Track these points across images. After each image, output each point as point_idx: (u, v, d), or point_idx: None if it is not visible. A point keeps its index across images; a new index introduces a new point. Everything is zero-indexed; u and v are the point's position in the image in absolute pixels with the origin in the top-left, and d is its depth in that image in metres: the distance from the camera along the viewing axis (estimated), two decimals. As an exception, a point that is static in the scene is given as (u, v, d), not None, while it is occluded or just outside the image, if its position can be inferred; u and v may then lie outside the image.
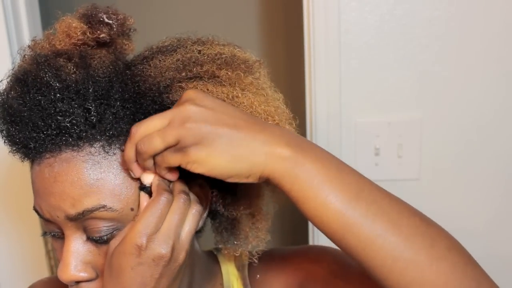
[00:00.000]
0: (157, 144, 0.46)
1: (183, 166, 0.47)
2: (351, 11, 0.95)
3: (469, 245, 1.03)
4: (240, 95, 0.53)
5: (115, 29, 0.54)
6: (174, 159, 0.47)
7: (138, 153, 0.47)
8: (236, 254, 0.65)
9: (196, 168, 0.46)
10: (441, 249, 0.51)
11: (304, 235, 1.11)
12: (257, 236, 0.61)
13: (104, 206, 0.49)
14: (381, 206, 0.47)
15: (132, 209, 0.51)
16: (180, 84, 0.52)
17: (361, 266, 0.48)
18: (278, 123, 0.54)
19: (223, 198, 0.57)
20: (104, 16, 0.54)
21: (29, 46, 0.55)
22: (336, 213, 0.46)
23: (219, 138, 0.45)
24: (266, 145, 0.46)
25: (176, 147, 0.46)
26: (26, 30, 1.09)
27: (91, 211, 0.49)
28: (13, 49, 1.06)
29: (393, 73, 0.97)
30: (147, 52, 0.55)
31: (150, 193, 0.50)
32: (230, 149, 0.45)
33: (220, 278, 0.66)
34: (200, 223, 0.55)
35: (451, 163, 1.00)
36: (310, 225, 1.06)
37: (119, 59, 0.53)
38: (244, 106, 0.52)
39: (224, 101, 0.51)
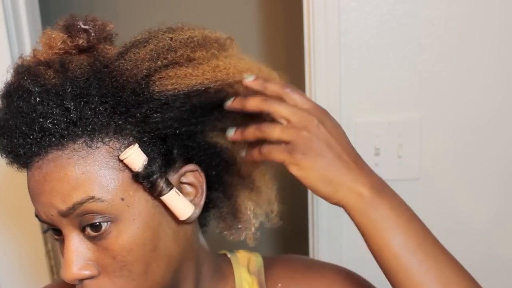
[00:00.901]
0: (275, 133, 0.55)
1: (284, 163, 0.55)
2: (351, 11, 0.95)
3: (469, 244, 1.04)
4: (220, 63, 0.57)
5: (93, 35, 0.56)
6: (280, 155, 0.55)
7: (255, 127, 0.56)
8: (241, 239, 0.66)
9: (293, 170, 0.55)
10: None
11: (305, 237, 1.11)
12: (262, 212, 0.65)
13: (92, 198, 0.50)
14: (437, 260, 0.56)
15: (122, 199, 0.51)
16: (158, 72, 0.54)
17: None
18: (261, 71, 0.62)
19: (218, 178, 0.62)
20: (81, 23, 0.56)
21: (17, 63, 0.57)
22: (396, 255, 0.54)
23: (322, 158, 0.54)
24: (354, 183, 0.54)
25: (286, 146, 0.54)
26: (26, 30, 1.09)
27: (80, 203, 0.50)
28: (13, 49, 1.06)
29: (393, 73, 0.97)
30: (122, 48, 0.56)
31: (143, 178, 0.51)
32: (326, 171, 0.54)
33: (232, 282, 0.66)
34: (197, 211, 0.56)
35: (451, 163, 1.00)
36: (310, 229, 1.06)
37: (98, 60, 0.54)
38: (224, 69, 0.57)
39: (202, 81, 0.55)
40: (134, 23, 1.98)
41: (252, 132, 0.57)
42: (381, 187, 0.55)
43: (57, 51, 0.56)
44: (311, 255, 1.08)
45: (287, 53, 1.72)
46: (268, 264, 0.69)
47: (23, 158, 0.53)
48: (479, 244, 1.04)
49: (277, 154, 0.55)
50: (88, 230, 0.52)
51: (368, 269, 1.06)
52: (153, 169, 0.52)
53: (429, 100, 0.98)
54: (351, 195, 0.54)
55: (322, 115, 0.57)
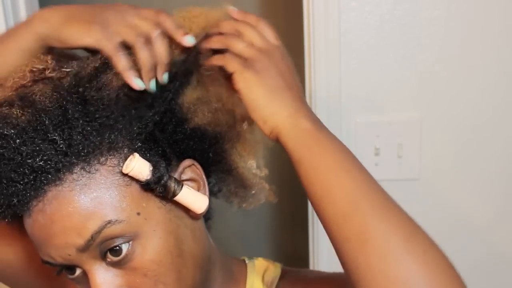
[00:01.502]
0: (239, 45, 0.55)
1: (234, 74, 0.53)
2: (351, 11, 0.95)
3: (469, 244, 1.04)
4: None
5: (51, 65, 0.54)
6: (234, 65, 0.54)
7: (223, 36, 0.56)
8: (262, 201, 0.66)
9: (240, 81, 0.53)
10: (418, 244, 0.51)
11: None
12: (262, 161, 0.65)
13: (109, 221, 0.48)
14: (356, 179, 0.54)
15: (138, 214, 0.50)
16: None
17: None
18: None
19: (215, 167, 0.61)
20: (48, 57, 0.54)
21: None
22: (323, 174, 0.50)
23: (272, 80, 0.53)
24: (296, 111, 0.53)
25: (242, 60, 0.54)
26: (26, 30, 1.09)
27: (99, 232, 0.48)
28: (13, 49, 1.06)
29: (393, 73, 0.97)
30: (83, 71, 0.54)
31: (155, 184, 0.50)
32: (272, 91, 0.53)
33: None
34: (205, 203, 0.54)
35: (451, 163, 1.00)
36: (310, 228, 1.06)
37: (59, 87, 0.52)
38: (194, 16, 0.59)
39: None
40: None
41: (218, 39, 0.57)
42: (320, 124, 0.55)
43: (12, 85, 0.53)
44: (310, 255, 1.08)
45: (287, 53, 1.72)
46: (283, 276, 0.66)
47: (18, 207, 0.49)
48: (479, 243, 1.04)
49: (232, 63, 0.54)
50: (110, 256, 0.49)
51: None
52: (161, 172, 0.50)
53: (429, 100, 0.98)
54: (290, 121, 0.52)
55: (281, 49, 0.59)
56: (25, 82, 0.53)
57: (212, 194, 0.62)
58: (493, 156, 1.00)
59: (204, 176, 0.57)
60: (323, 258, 1.04)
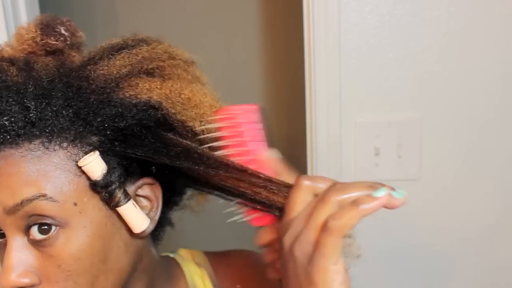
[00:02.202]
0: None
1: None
2: (351, 11, 0.95)
3: (469, 244, 1.03)
4: (186, 91, 0.56)
5: (68, 42, 0.55)
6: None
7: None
8: None
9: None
10: None
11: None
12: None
13: (44, 195, 0.48)
14: None
15: (75, 204, 0.49)
16: (131, 80, 0.54)
17: None
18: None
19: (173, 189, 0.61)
20: (61, 28, 0.55)
21: None
22: None
23: None
24: None
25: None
26: (26, 30, 1.09)
27: (30, 200, 0.48)
28: (13, 49, 1.06)
29: (393, 73, 0.97)
30: (91, 55, 0.56)
31: (102, 188, 0.49)
32: None
33: (183, 280, 0.66)
34: (152, 226, 0.54)
35: (451, 163, 1.00)
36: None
37: (65, 64, 0.53)
38: (187, 99, 0.55)
39: (169, 94, 0.54)
40: (134, 23, 1.99)
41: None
42: None
43: (26, 46, 0.54)
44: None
45: (287, 53, 1.72)
46: (217, 260, 0.69)
47: None
48: (479, 243, 1.04)
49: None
50: (34, 233, 0.49)
51: (369, 269, 1.06)
52: (112, 179, 0.50)
53: (429, 100, 0.98)
54: None
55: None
56: (36, 50, 0.54)
57: (161, 223, 0.61)
58: (493, 156, 1.00)
59: (161, 200, 0.56)
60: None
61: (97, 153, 0.49)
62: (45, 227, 0.49)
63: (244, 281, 0.68)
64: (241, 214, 0.52)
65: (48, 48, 0.55)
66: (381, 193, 0.42)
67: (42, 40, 0.54)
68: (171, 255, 0.70)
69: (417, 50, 0.96)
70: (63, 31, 0.55)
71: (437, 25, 0.95)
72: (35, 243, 0.49)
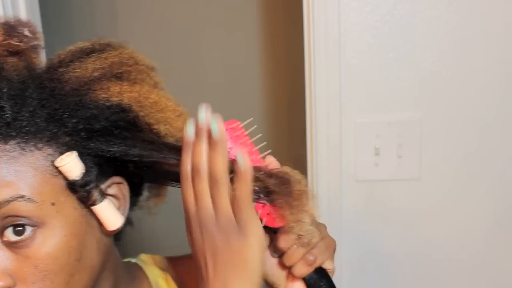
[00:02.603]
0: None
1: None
2: (351, 11, 0.95)
3: (469, 245, 1.03)
4: (153, 95, 0.58)
5: (30, 44, 0.56)
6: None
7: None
8: None
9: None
10: None
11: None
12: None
13: (22, 196, 0.48)
14: None
15: (53, 204, 0.50)
16: (103, 83, 0.55)
17: None
18: (181, 114, 0.61)
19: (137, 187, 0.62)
20: (25, 30, 0.55)
21: None
22: None
23: None
24: None
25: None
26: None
27: (8, 201, 0.48)
28: (13, 49, 1.06)
29: (393, 73, 0.97)
30: (62, 55, 0.57)
31: (80, 187, 0.50)
32: None
33: (148, 283, 0.67)
34: (120, 223, 0.55)
35: (451, 163, 1.00)
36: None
37: (33, 66, 0.54)
38: (154, 102, 0.57)
39: (138, 98, 0.56)
40: (134, 23, 1.98)
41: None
42: None
43: None
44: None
45: (287, 53, 1.72)
46: (180, 263, 0.71)
47: None
48: (479, 243, 1.04)
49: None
50: (8, 235, 0.49)
51: (369, 269, 1.06)
52: (90, 178, 0.51)
53: (429, 100, 0.98)
54: None
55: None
56: (1, 50, 0.54)
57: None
58: (494, 156, 1.00)
59: (128, 198, 0.57)
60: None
61: (74, 153, 0.50)
62: (20, 228, 0.49)
63: None
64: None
65: (10, 49, 0.55)
66: (201, 115, 0.51)
67: (4, 41, 0.54)
68: (133, 260, 0.71)
69: (417, 50, 0.96)
70: (26, 33, 0.55)
71: (437, 25, 0.95)
72: (9, 245, 0.49)
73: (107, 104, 0.53)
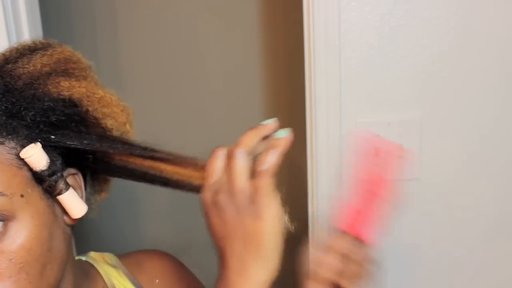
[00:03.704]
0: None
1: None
2: (351, 11, 0.95)
3: (469, 245, 1.03)
4: (99, 91, 0.61)
5: None
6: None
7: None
8: None
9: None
10: None
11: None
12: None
13: None
14: None
15: (22, 196, 0.50)
16: (53, 78, 0.57)
17: None
18: (124, 108, 0.64)
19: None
20: None
21: None
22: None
23: None
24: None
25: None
26: (26, 30, 1.09)
27: None
28: (13, 49, 1.06)
29: (393, 73, 0.97)
30: (7, 53, 0.58)
31: (48, 177, 0.52)
32: None
33: (101, 280, 0.68)
34: (84, 211, 0.56)
35: (451, 163, 1.00)
36: (310, 233, 1.06)
37: None
38: (101, 98, 0.60)
39: (86, 93, 0.59)
40: (134, 23, 1.98)
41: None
42: None
43: None
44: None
45: (287, 53, 1.72)
46: (129, 260, 0.73)
47: None
48: (479, 243, 1.04)
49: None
50: None
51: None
52: (56, 168, 0.52)
53: (429, 100, 0.98)
54: None
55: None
56: None
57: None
58: (494, 156, 1.00)
59: (83, 188, 0.59)
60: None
61: (39, 144, 0.51)
62: None
63: (160, 274, 0.73)
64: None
65: None
66: (282, 134, 0.54)
67: None
68: (83, 258, 0.71)
69: (417, 50, 0.96)
70: None
71: (437, 25, 0.95)
72: None
73: (60, 97, 0.55)
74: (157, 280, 0.72)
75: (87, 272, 0.68)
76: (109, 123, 0.61)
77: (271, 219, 0.51)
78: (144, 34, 1.79)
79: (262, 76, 1.78)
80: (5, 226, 0.49)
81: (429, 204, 1.02)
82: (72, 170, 0.57)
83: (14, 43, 0.61)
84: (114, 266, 0.71)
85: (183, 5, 1.78)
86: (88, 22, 1.78)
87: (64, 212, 0.56)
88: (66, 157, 0.56)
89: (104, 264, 0.70)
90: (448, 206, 1.02)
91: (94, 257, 0.72)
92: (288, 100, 1.75)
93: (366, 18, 0.95)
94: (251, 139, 0.54)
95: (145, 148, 0.58)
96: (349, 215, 0.57)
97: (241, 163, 0.52)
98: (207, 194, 0.54)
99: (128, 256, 0.74)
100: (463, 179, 1.01)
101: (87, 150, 0.56)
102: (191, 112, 1.87)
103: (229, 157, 0.53)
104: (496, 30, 0.95)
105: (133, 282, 0.71)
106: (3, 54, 0.58)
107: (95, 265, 0.70)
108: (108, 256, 0.73)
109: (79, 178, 0.59)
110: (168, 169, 0.58)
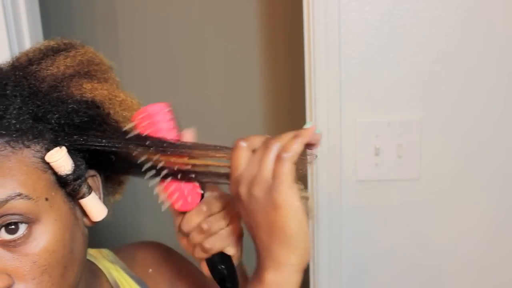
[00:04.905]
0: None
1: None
2: (351, 11, 0.95)
3: (469, 244, 1.03)
4: (120, 94, 0.60)
5: None
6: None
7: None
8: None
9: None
10: None
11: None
12: None
13: (20, 194, 0.48)
14: None
15: (47, 199, 0.51)
16: (76, 80, 0.57)
17: None
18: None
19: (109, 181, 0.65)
20: None
21: None
22: None
23: None
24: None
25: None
26: (26, 31, 1.09)
27: (5, 201, 0.48)
28: (13, 50, 1.06)
29: (393, 73, 0.97)
30: (31, 54, 0.58)
31: (72, 181, 0.52)
32: None
33: (103, 275, 0.68)
34: (104, 213, 0.57)
35: (451, 163, 1.00)
36: (310, 233, 1.06)
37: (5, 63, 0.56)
38: (122, 101, 0.60)
39: (108, 95, 0.58)
40: (134, 23, 1.98)
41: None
42: None
43: None
44: (311, 260, 1.08)
45: (287, 53, 1.72)
46: (123, 253, 0.73)
47: None
48: (479, 243, 1.04)
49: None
50: (2, 234, 0.48)
51: (369, 269, 1.06)
52: (81, 172, 0.53)
53: (429, 100, 0.98)
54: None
55: None
56: None
57: None
58: (493, 156, 1.00)
59: (101, 190, 0.59)
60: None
61: (64, 148, 0.51)
62: (12, 226, 0.49)
63: (152, 264, 0.73)
64: (165, 202, 0.57)
65: None
66: (309, 125, 0.54)
67: None
68: None
69: (417, 50, 0.96)
70: None
71: (437, 25, 0.95)
72: (4, 244, 0.49)
73: (84, 99, 0.55)
74: (150, 270, 0.73)
75: (92, 270, 0.68)
76: (127, 126, 0.60)
77: (290, 206, 0.50)
78: (144, 34, 1.79)
79: (262, 76, 1.78)
80: (30, 229, 0.49)
81: (429, 204, 1.02)
82: (91, 172, 0.57)
83: (37, 43, 0.61)
84: (112, 262, 0.71)
85: (183, 5, 1.78)
86: (88, 22, 1.78)
87: (84, 214, 0.56)
88: (87, 159, 0.56)
89: (103, 260, 0.71)
90: (448, 206, 1.02)
91: (92, 254, 0.72)
92: (288, 100, 1.75)
93: (366, 18, 0.95)
94: (287, 136, 0.54)
95: (172, 144, 0.56)
96: (170, 195, 0.57)
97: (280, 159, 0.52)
98: (233, 187, 0.54)
99: (121, 251, 0.75)
100: (463, 179, 1.01)
101: (112, 151, 0.55)
102: (191, 112, 1.87)
103: (265, 148, 0.53)
104: (496, 30, 0.95)
105: (131, 275, 0.71)
106: (26, 55, 0.58)
107: (95, 262, 0.70)
108: (105, 252, 0.73)
109: (98, 179, 0.58)
110: (196, 162, 0.58)
